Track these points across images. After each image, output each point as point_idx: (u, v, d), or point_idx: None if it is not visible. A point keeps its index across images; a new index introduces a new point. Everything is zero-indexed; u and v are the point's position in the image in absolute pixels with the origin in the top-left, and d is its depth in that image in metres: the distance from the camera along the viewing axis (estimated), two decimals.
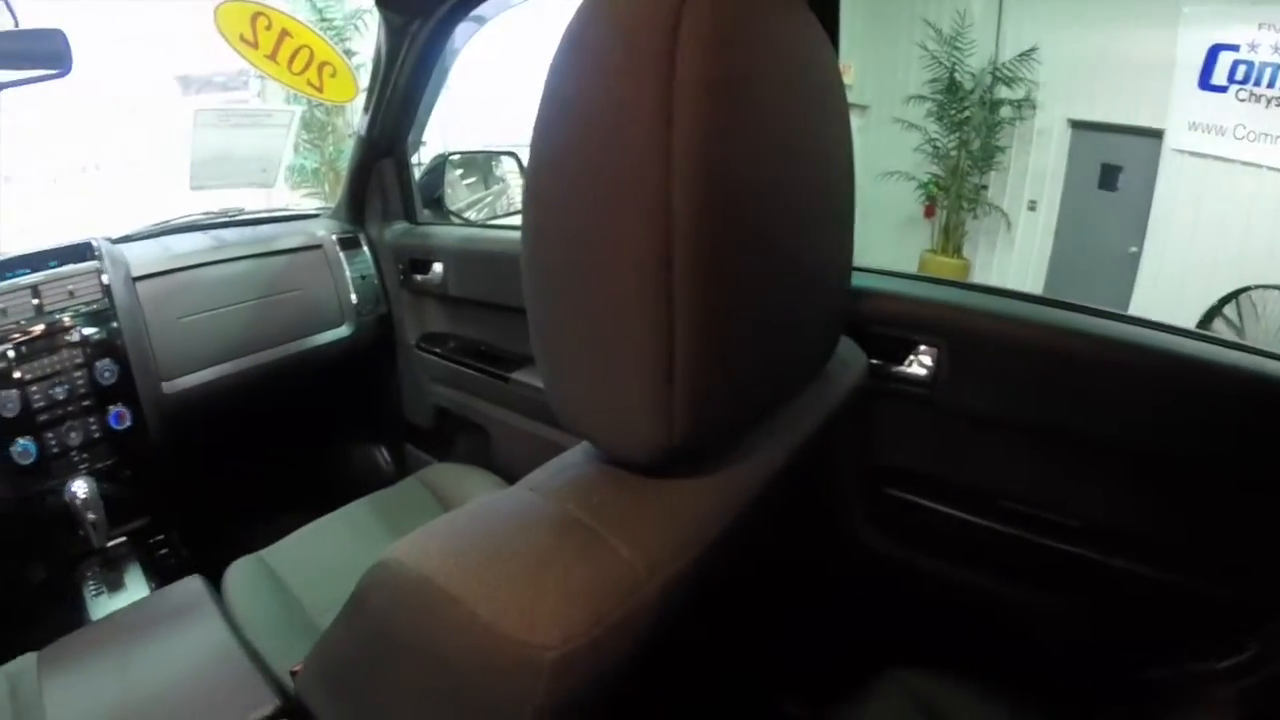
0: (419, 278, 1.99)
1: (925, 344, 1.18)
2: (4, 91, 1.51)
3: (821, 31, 0.70)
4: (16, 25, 1.44)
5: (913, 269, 7.89)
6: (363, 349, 2.11)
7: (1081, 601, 1.14)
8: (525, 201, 0.62)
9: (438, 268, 1.91)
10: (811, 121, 0.68)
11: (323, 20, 7.07)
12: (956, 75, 7.45)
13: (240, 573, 1.57)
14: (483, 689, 0.55)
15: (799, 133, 0.65)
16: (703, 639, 0.79)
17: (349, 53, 5.57)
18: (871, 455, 1.26)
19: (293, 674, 1.02)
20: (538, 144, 0.59)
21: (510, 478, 1.71)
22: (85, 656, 1.23)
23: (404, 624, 0.60)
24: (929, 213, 8.15)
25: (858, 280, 1.21)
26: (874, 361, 1.15)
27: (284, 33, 1.85)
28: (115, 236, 2.02)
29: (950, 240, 7.96)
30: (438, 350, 2.02)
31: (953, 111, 7.56)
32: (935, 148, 7.74)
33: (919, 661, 1.21)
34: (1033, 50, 7.01)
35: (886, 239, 8.02)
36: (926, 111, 7.67)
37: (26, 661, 1.38)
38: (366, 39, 6.16)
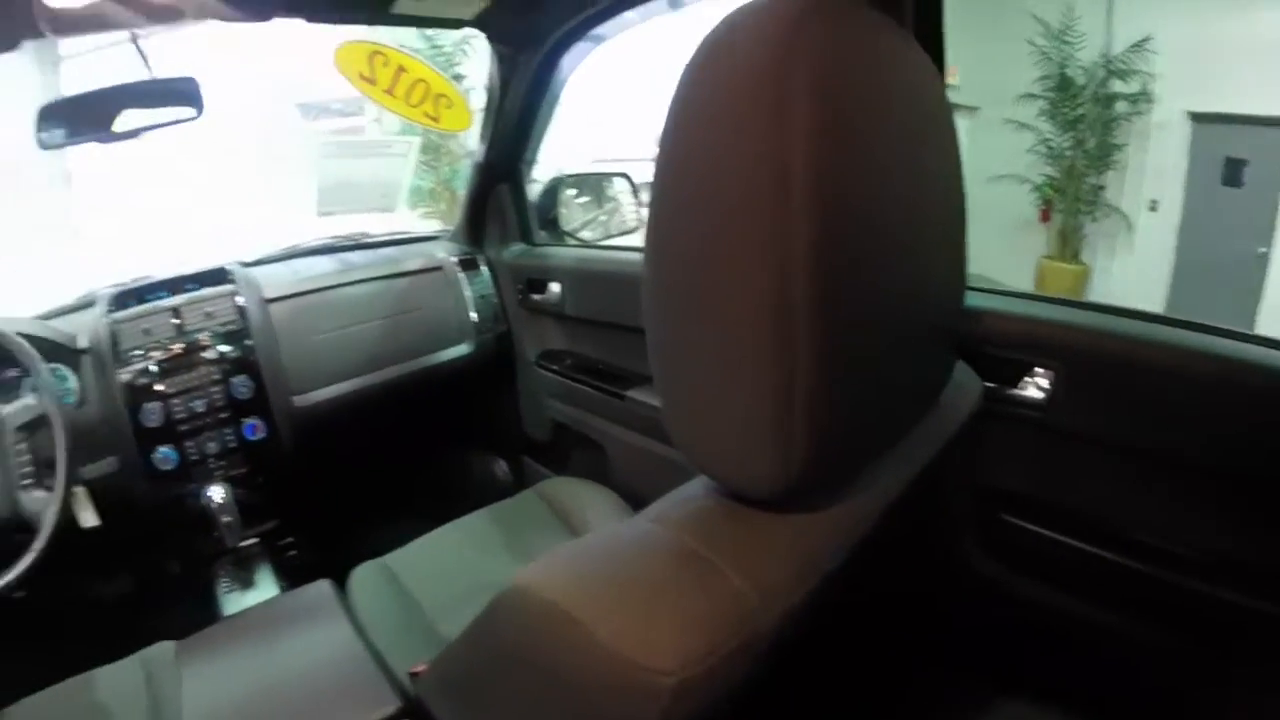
0: (536, 297, 2.04)
1: (1041, 366, 1.14)
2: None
3: (924, 55, 0.71)
4: (151, 74, 1.55)
5: (1029, 276, 7.62)
6: (483, 365, 2.18)
7: (1204, 641, 1.07)
8: (648, 223, 0.63)
9: (555, 287, 1.96)
10: (919, 144, 0.69)
11: (432, 47, 7.25)
12: (1067, 71, 7.21)
13: (365, 576, 1.66)
14: (601, 709, 0.58)
15: (907, 156, 0.66)
16: (810, 666, 0.80)
17: (458, 77, 5.71)
18: (984, 479, 1.22)
19: (412, 675, 1.08)
20: (660, 168, 0.61)
21: (625, 493, 1.75)
22: (222, 649, 1.32)
23: (529, 643, 0.63)
24: (1045, 216, 7.85)
25: (970, 300, 1.18)
26: (988, 384, 1.11)
27: (400, 69, 1.93)
28: (248, 260, 2.15)
29: (1068, 245, 7.66)
30: (555, 367, 2.07)
31: (1065, 109, 7.29)
32: (1049, 148, 7.47)
33: (1025, 691, 1.18)
34: (1146, 40, 6.72)
35: (1001, 245, 7.72)
36: (1038, 110, 7.42)
37: (163, 649, 1.50)
38: (474, 62, 6.29)
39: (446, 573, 1.65)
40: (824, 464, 0.60)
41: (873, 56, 0.61)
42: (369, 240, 2.36)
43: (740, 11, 0.57)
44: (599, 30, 1.73)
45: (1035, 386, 1.15)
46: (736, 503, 0.65)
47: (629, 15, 1.68)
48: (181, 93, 1.61)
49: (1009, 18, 7.35)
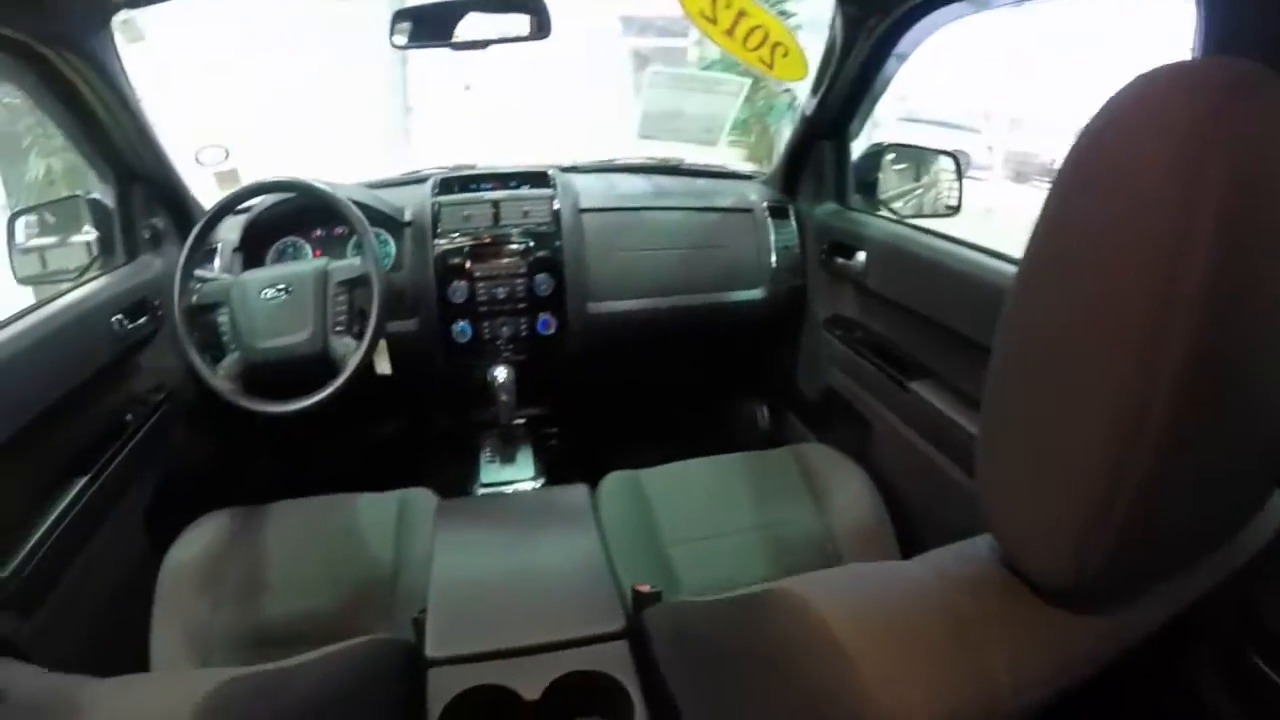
0: (840, 260, 2.01)
1: None
2: None
3: None
4: None
5: None
6: (771, 314, 2.19)
7: None
8: (1022, 268, 0.60)
9: (860, 256, 1.91)
10: None
11: None
12: None
13: (615, 483, 1.78)
14: None
15: None
16: None
17: (784, 14, 5.65)
18: (1251, 616, 1.01)
19: (635, 591, 1.12)
20: (1039, 231, 0.58)
21: (880, 477, 1.75)
22: (478, 517, 1.41)
23: (789, 648, 0.65)
24: None
25: None
26: None
27: (741, 13, 1.95)
28: (566, 165, 2.31)
29: None
30: (842, 334, 2.05)
31: None
32: None
33: None
34: None
35: None
36: None
37: (422, 494, 1.72)
38: (802, 2, 6.19)
39: (689, 505, 1.73)
40: (1120, 572, 0.57)
41: None
42: (685, 167, 2.44)
43: (1150, 77, 0.53)
44: (952, 9, 1.62)
45: None
46: (1018, 580, 0.63)
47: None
48: (529, 9, 1.68)
49: None
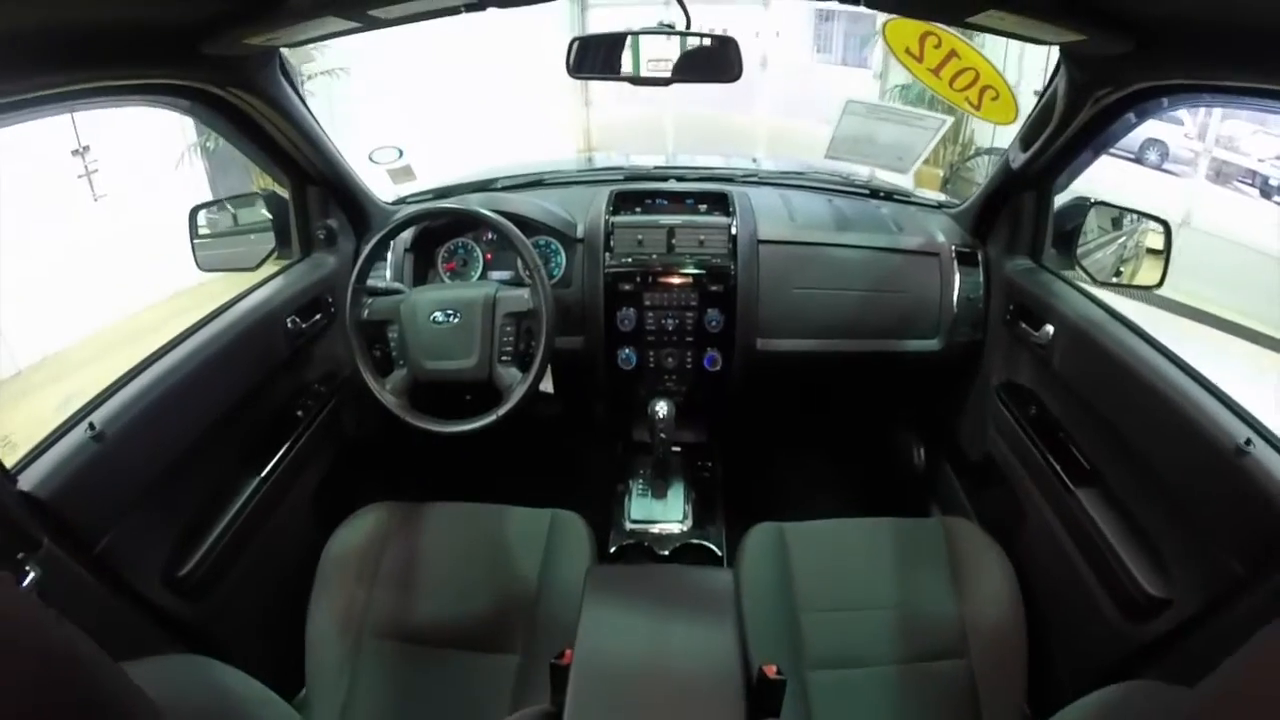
0: (1024, 326, 1.85)
1: None
2: None
3: None
4: (689, 25, 1.53)
5: None
6: (944, 367, 2.09)
7: None
8: None
9: (1048, 329, 1.74)
10: None
11: None
12: None
13: (761, 537, 1.73)
14: None
15: None
16: None
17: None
18: None
19: (761, 672, 1.09)
20: None
21: (1023, 567, 1.65)
22: (626, 592, 1.33)
23: None
24: None
25: None
26: None
27: (952, 53, 1.90)
28: (747, 171, 2.35)
29: None
30: (1014, 406, 1.89)
31: None
32: None
33: None
34: None
35: None
36: None
37: (571, 519, 1.76)
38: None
39: (830, 569, 1.68)
40: None
41: None
42: (870, 186, 2.38)
43: None
44: (1188, 97, 1.48)
45: None
46: None
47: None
48: (721, 55, 1.59)
49: None
